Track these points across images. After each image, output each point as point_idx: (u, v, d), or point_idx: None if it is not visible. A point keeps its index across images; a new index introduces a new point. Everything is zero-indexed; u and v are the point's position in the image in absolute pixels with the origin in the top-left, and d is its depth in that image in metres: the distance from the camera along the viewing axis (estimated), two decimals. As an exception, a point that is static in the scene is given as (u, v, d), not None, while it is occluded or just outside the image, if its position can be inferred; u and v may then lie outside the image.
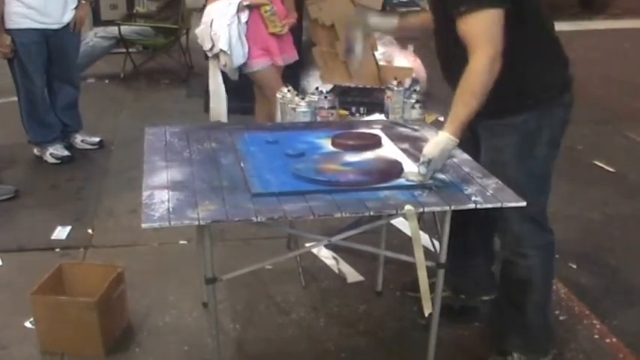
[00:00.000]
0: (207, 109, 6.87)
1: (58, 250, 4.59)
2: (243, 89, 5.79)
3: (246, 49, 5.37)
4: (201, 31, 5.51)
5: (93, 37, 8.54)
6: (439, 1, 3.04)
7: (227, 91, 5.73)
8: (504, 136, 3.10)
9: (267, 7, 5.30)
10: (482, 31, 2.80)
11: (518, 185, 2.93)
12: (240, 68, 5.45)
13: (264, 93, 5.60)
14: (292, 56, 5.73)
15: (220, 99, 5.72)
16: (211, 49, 5.41)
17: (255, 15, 5.36)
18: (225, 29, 5.27)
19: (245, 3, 5.27)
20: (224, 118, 5.73)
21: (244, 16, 5.35)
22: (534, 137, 3.08)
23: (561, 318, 3.87)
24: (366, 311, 3.95)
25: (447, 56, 3.16)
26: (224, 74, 5.57)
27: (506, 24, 2.79)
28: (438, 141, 2.88)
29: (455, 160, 3.07)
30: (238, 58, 5.38)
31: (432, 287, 3.00)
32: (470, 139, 3.21)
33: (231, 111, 5.83)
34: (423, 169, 2.87)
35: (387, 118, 4.04)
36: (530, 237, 3.23)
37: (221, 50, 5.32)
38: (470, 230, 3.58)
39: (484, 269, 3.80)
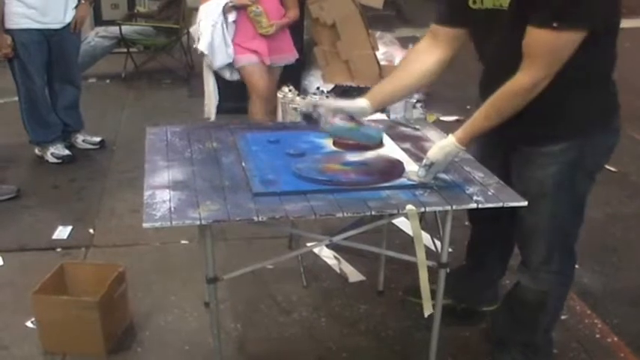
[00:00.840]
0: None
1: (59, 249, 4.59)
2: (242, 88, 5.80)
3: (231, 50, 5.38)
4: (193, 31, 5.54)
5: (94, 37, 8.57)
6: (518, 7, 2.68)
7: (225, 90, 5.76)
8: (544, 167, 2.92)
9: (253, 8, 5.30)
10: (554, 51, 2.60)
11: (558, 215, 2.88)
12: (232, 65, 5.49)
13: (249, 90, 5.64)
14: (289, 56, 5.72)
15: (209, 96, 5.74)
16: (197, 48, 5.46)
17: (244, 15, 5.37)
18: (208, 30, 5.29)
19: (230, 4, 5.28)
20: (212, 116, 5.75)
21: (232, 16, 5.37)
22: (576, 167, 2.90)
23: (563, 317, 3.86)
24: (367, 311, 3.95)
25: (501, 69, 2.79)
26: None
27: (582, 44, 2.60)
28: (444, 145, 2.85)
29: (456, 159, 3.06)
30: (222, 59, 5.40)
31: (433, 294, 3.00)
32: (499, 166, 3.10)
33: (231, 110, 5.86)
34: (422, 172, 2.85)
35: (389, 117, 4.04)
36: (558, 264, 3.12)
37: (202, 51, 5.36)
38: (493, 245, 3.55)
39: (491, 284, 3.76)
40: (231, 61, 5.45)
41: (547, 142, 2.88)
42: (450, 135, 2.88)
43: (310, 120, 3.37)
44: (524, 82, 2.66)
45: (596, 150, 2.92)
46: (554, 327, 3.43)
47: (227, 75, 5.63)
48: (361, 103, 3.12)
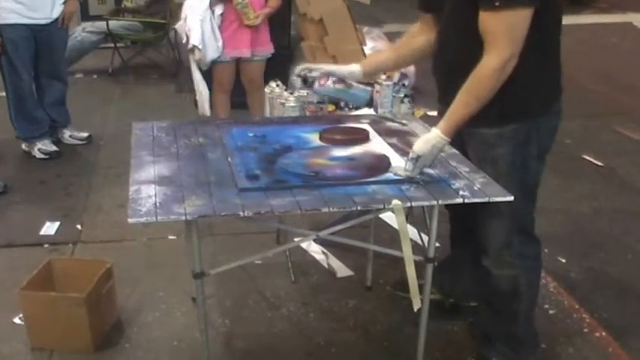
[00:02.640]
0: (196, 103, 6.87)
1: (46, 245, 4.58)
2: (239, 83, 5.82)
3: (220, 43, 5.41)
4: (179, 27, 5.55)
5: (81, 32, 8.54)
6: None
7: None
8: (496, 148, 3.01)
9: (239, 0, 5.32)
10: (506, 30, 2.69)
11: (512, 200, 2.89)
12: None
13: (215, 84, 5.79)
14: (266, 50, 5.77)
15: (200, 92, 5.76)
16: (187, 44, 5.46)
17: (230, 7, 5.39)
18: (198, 24, 5.31)
19: None
20: (207, 112, 5.76)
21: (219, 8, 5.39)
22: (525, 147, 2.99)
23: (550, 312, 3.88)
24: (356, 306, 3.95)
25: (444, 46, 3.02)
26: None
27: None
28: (429, 138, 2.86)
29: (442, 154, 3.06)
30: (212, 53, 5.42)
31: (422, 288, 3.00)
32: (456, 145, 3.17)
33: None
34: (409, 166, 2.86)
35: (376, 112, 4.04)
36: (519, 247, 3.16)
37: (194, 46, 5.36)
38: (466, 239, 3.56)
39: (474, 277, 3.76)
40: (220, 54, 5.47)
41: (497, 123, 2.96)
42: (434, 128, 2.89)
43: (305, 83, 3.48)
44: (491, 63, 2.73)
45: (542, 131, 3.02)
46: (534, 316, 3.42)
47: (207, 66, 5.69)
48: (353, 67, 3.40)
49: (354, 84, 3.27)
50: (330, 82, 3.23)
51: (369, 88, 3.50)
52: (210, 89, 5.84)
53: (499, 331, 3.38)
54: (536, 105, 2.95)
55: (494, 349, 3.39)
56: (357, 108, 4.16)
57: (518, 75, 2.78)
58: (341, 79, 3.42)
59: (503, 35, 2.70)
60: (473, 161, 3.11)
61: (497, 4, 2.64)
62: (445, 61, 3.05)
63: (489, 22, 2.70)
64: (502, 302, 3.30)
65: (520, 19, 2.67)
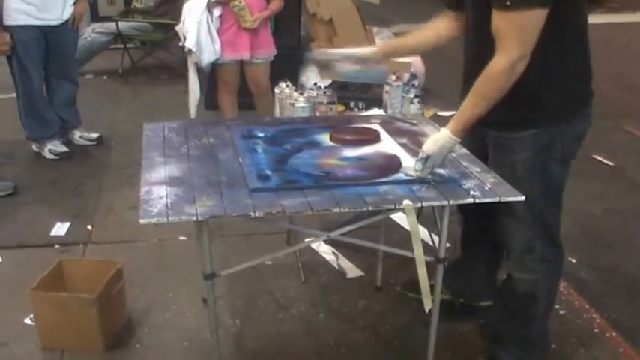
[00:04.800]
0: (206, 104, 6.88)
1: (57, 246, 4.59)
2: (244, 83, 5.82)
3: (218, 46, 5.42)
4: (179, 29, 5.56)
5: (91, 33, 8.57)
6: None
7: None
8: (516, 152, 2.98)
9: (235, 3, 5.33)
10: (517, 30, 2.65)
11: (532, 201, 2.90)
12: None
13: (220, 85, 5.82)
14: (267, 52, 5.76)
15: (192, 94, 5.77)
16: (184, 46, 5.48)
17: (228, 10, 5.40)
18: (194, 27, 5.32)
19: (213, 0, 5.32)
20: (192, 114, 5.78)
21: (217, 11, 5.39)
22: (547, 152, 2.95)
23: (561, 312, 3.87)
24: (365, 306, 3.95)
25: (477, 55, 2.92)
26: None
27: (544, 27, 2.67)
28: (438, 138, 2.86)
29: (453, 154, 3.06)
30: (209, 56, 5.44)
31: (432, 289, 3.00)
32: (474, 152, 3.19)
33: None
34: (419, 166, 2.85)
35: (386, 112, 4.04)
36: (541, 252, 3.14)
37: (189, 49, 5.37)
38: (480, 240, 3.57)
39: (487, 278, 3.76)
40: (218, 57, 5.48)
41: (519, 128, 2.94)
42: (443, 128, 2.88)
43: (324, 67, 3.51)
44: (500, 63, 2.70)
45: (566, 136, 2.97)
46: (549, 318, 3.41)
47: (208, 68, 5.71)
48: (370, 49, 3.45)
49: (372, 65, 3.29)
50: (349, 64, 3.26)
51: (386, 68, 3.52)
52: (212, 90, 5.87)
53: (513, 333, 3.37)
54: (559, 110, 2.91)
55: (507, 349, 3.38)
56: (368, 108, 4.16)
57: (540, 78, 2.77)
58: (358, 62, 3.43)
59: (512, 35, 2.67)
60: (491, 165, 3.09)
61: (508, 3, 2.61)
62: (468, 60, 3.04)
63: (500, 21, 2.68)
64: (519, 306, 3.28)
65: (531, 19, 2.63)
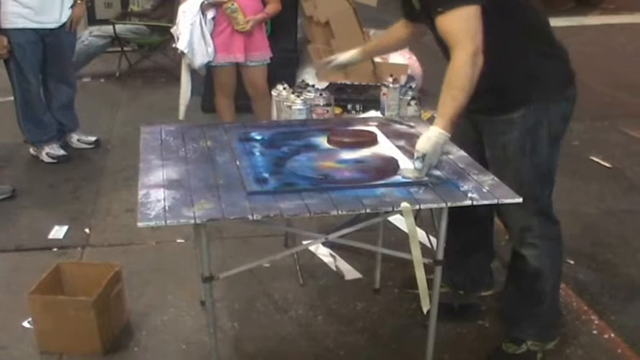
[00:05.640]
0: (203, 107, 6.88)
1: (55, 249, 4.59)
2: (241, 86, 5.82)
3: (211, 48, 5.41)
4: (173, 31, 5.56)
5: (88, 36, 8.56)
6: (424, 9, 3.05)
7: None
8: (506, 133, 3.14)
9: (228, 5, 5.32)
10: (459, 28, 2.81)
11: (523, 180, 3.02)
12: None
13: (215, 87, 5.81)
14: (262, 55, 5.74)
15: (182, 95, 5.76)
16: (177, 47, 5.48)
17: (222, 12, 5.40)
18: (187, 29, 5.31)
19: (206, 2, 5.30)
20: (181, 116, 5.77)
21: (211, 13, 5.39)
22: (535, 132, 3.10)
23: (559, 313, 3.88)
24: (364, 308, 3.95)
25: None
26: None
27: (491, 19, 2.81)
28: (430, 136, 2.87)
29: (451, 156, 3.07)
30: (201, 58, 5.43)
31: (430, 284, 3.01)
32: (474, 140, 3.29)
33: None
34: (418, 164, 2.86)
35: (383, 115, 4.04)
36: (539, 229, 3.26)
37: (181, 51, 5.37)
38: (470, 227, 3.62)
39: (483, 266, 3.85)
40: (210, 59, 5.47)
41: (507, 110, 3.12)
42: (432, 125, 2.91)
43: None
44: (458, 56, 2.82)
45: (552, 116, 3.13)
46: (559, 296, 3.55)
47: (203, 71, 5.71)
48: (352, 52, 3.82)
49: None
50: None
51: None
52: (210, 93, 5.87)
53: (528, 312, 3.45)
54: (541, 91, 3.08)
55: (525, 331, 3.47)
56: (365, 110, 4.17)
57: (513, 67, 3.01)
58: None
59: (458, 34, 2.82)
60: (487, 150, 3.24)
61: (439, 9, 2.84)
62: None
63: (441, 27, 2.88)
64: (528, 282, 3.38)
65: (465, 17, 2.80)
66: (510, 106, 3.09)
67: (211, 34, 5.41)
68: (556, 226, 3.37)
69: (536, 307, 3.42)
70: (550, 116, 3.11)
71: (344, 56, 3.80)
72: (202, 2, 5.30)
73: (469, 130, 3.31)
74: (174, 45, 5.62)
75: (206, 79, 6.27)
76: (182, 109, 5.77)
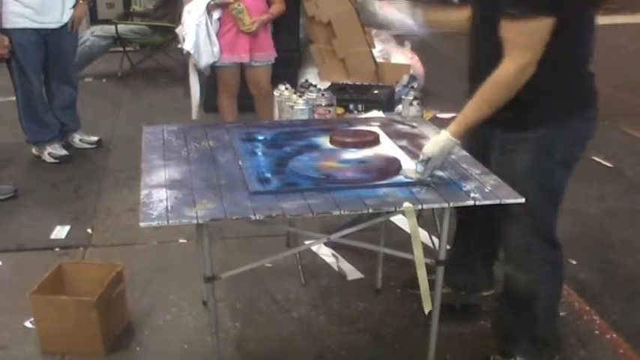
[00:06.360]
0: (205, 107, 6.88)
1: (57, 249, 4.59)
2: (244, 86, 5.82)
3: (217, 48, 5.41)
4: (178, 31, 5.56)
5: (90, 36, 8.57)
6: None
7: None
8: (518, 152, 3.00)
9: (234, 5, 5.32)
10: (526, 37, 2.70)
11: (529, 201, 2.87)
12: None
13: (220, 88, 5.81)
14: (267, 55, 5.74)
15: (193, 96, 5.77)
16: (182, 48, 5.48)
17: (228, 12, 5.40)
18: (193, 29, 5.31)
19: (212, 2, 5.30)
20: (194, 116, 5.78)
21: (217, 13, 5.39)
22: (550, 155, 2.97)
23: (561, 314, 3.86)
24: (366, 309, 3.95)
25: (482, 48, 3.01)
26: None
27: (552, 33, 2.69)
28: (438, 140, 2.87)
29: (453, 157, 3.06)
30: (207, 58, 5.43)
31: (432, 284, 3.00)
32: (478, 152, 3.19)
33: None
34: (420, 168, 2.86)
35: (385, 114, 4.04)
36: (537, 251, 3.15)
37: (187, 51, 5.37)
38: (473, 229, 3.58)
39: (485, 267, 3.82)
40: (216, 60, 5.47)
41: (523, 128, 2.95)
42: (444, 130, 2.89)
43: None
44: (507, 70, 2.74)
45: (569, 139, 2.98)
46: (556, 319, 3.44)
47: (208, 71, 5.71)
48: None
49: None
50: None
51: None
52: (212, 93, 5.86)
53: (518, 330, 3.38)
54: (560, 112, 2.92)
55: (518, 346, 3.39)
56: (367, 110, 4.17)
57: (544, 81, 2.78)
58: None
59: (520, 43, 2.70)
60: (493, 164, 3.10)
61: (513, 12, 2.66)
62: (476, 58, 3.07)
63: (508, 30, 2.71)
64: (520, 304, 3.30)
65: (538, 27, 2.66)
66: (527, 124, 2.93)
67: (217, 35, 5.42)
68: (558, 251, 3.25)
69: (529, 326, 3.33)
70: (568, 138, 2.97)
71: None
72: (208, 3, 5.30)
73: (477, 141, 3.19)
74: (179, 45, 5.62)
75: (208, 78, 6.27)
76: (195, 110, 5.79)
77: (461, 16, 3.27)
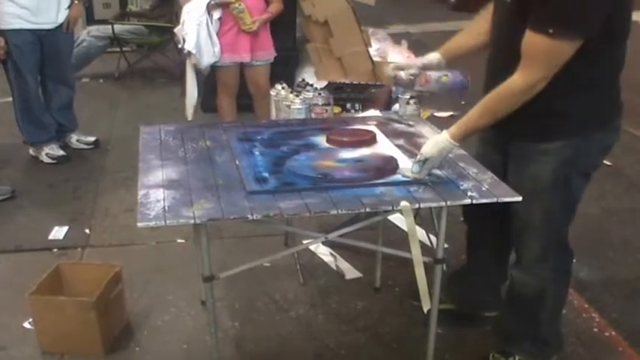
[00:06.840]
0: (203, 107, 6.88)
1: (55, 250, 4.59)
2: (244, 86, 5.82)
3: (218, 48, 5.41)
4: (178, 31, 5.56)
5: (86, 37, 8.55)
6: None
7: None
8: (538, 163, 2.93)
9: (235, 5, 5.33)
10: (550, 57, 2.63)
11: (549, 211, 2.88)
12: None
13: (219, 87, 5.81)
14: (267, 54, 5.75)
15: (189, 96, 5.77)
16: (183, 48, 5.47)
17: (228, 12, 5.40)
18: (194, 29, 5.31)
19: (213, 2, 5.30)
20: (189, 117, 5.78)
21: (217, 13, 5.39)
22: (571, 166, 2.91)
23: (560, 312, 3.88)
24: (364, 308, 3.95)
25: (504, 60, 2.84)
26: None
27: (583, 47, 2.60)
28: (437, 141, 2.85)
29: (450, 155, 3.06)
30: (208, 58, 5.43)
31: (431, 285, 2.99)
32: (496, 161, 3.12)
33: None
34: (416, 168, 2.85)
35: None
36: (552, 260, 3.13)
37: (188, 51, 5.37)
38: (485, 250, 3.55)
39: (492, 288, 3.71)
40: (217, 59, 5.47)
41: (543, 139, 2.89)
42: (444, 131, 2.88)
43: (403, 85, 3.46)
44: (519, 83, 2.69)
45: (592, 149, 2.94)
46: (559, 320, 3.43)
47: (208, 71, 5.71)
48: (433, 56, 3.28)
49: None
50: (433, 81, 3.27)
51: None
52: (210, 93, 5.86)
53: (520, 330, 3.37)
54: (587, 122, 2.86)
55: (518, 345, 3.38)
56: (364, 109, 4.16)
57: (568, 91, 2.75)
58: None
59: (541, 60, 2.65)
60: (511, 175, 3.05)
61: (550, 31, 2.56)
62: (494, 64, 3.00)
63: (535, 44, 2.63)
64: (525, 308, 3.28)
65: (567, 49, 2.60)
66: (548, 135, 2.87)
67: (217, 34, 5.41)
68: (570, 258, 3.25)
69: (531, 327, 3.32)
70: (590, 149, 2.92)
71: (421, 60, 3.35)
72: (209, 2, 5.30)
73: (495, 149, 3.15)
74: (180, 46, 5.61)
75: (206, 78, 6.26)
76: (190, 110, 5.78)
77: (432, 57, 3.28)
